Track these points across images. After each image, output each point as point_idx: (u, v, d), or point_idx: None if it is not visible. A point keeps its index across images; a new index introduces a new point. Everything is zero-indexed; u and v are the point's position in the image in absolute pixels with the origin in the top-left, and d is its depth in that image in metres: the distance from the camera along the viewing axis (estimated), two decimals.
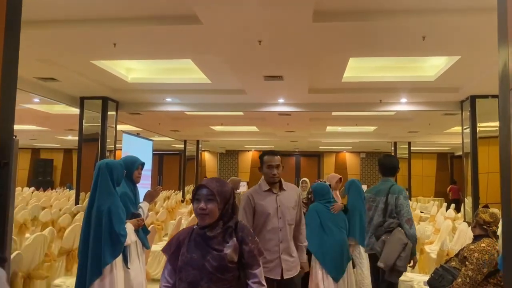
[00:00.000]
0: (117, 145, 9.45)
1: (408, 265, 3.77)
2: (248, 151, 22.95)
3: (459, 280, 2.83)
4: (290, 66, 6.32)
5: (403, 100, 8.69)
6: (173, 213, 11.60)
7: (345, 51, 5.70)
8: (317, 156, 22.81)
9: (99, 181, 3.07)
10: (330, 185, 4.64)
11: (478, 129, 7.94)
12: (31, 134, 15.48)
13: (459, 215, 10.26)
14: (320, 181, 4.81)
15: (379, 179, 4.08)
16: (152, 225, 5.92)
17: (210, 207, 1.90)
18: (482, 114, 7.92)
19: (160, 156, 22.08)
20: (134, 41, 5.35)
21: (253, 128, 13.93)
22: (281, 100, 9.06)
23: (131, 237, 3.11)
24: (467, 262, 2.86)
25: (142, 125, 12.80)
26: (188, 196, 17.82)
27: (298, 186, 6.26)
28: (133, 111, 9.83)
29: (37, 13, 4.59)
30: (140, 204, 3.52)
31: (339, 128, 14.05)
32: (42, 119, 11.65)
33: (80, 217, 6.87)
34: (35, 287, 3.86)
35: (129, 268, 3.14)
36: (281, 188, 3.16)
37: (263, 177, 3.21)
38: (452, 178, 20.53)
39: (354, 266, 4.44)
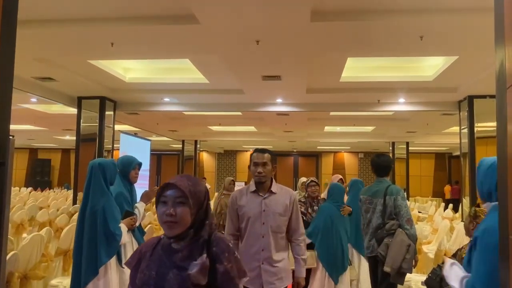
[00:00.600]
0: (114, 145, 9.43)
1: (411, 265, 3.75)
2: (246, 151, 22.94)
3: None
4: (288, 66, 6.31)
5: (401, 100, 8.69)
6: None
7: (343, 50, 5.70)
8: (315, 156, 22.81)
9: (92, 181, 3.07)
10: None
11: (475, 129, 7.95)
12: (29, 134, 15.45)
13: (457, 215, 10.28)
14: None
15: (375, 179, 4.05)
16: (149, 225, 5.92)
17: (180, 213, 1.48)
18: (479, 114, 7.93)
19: (158, 156, 22.06)
20: (132, 40, 5.34)
21: (251, 128, 13.92)
22: (279, 100, 9.06)
23: (125, 237, 3.09)
24: None
25: (140, 125, 12.78)
26: None
27: (296, 186, 6.19)
28: (131, 111, 9.82)
29: (34, 12, 4.58)
30: (136, 204, 3.51)
31: (337, 128, 14.05)
32: (40, 119, 11.63)
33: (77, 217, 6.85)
34: None
35: (124, 268, 3.13)
36: (269, 191, 2.81)
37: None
38: (450, 178, 20.57)
39: (349, 264, 4.48)
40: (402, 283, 3.71)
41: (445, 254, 5.13)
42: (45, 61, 6.30)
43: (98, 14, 4.69)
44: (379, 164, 3.96)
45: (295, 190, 6.11)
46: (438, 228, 7.29)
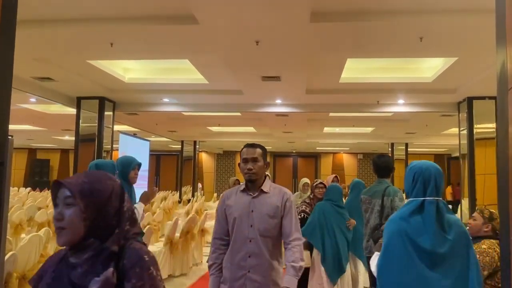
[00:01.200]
0: (114, 146, 9.42)
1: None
2: None
3: None
4: (288, 66, 6.31)
5: (401, 101, 8.70)
6: (170, 213, 11.58)
7: (342, 51, 5.70)
8: (314, 157, 22.82)
9: None
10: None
11: (475, 130, 7.96)
12: (28, 134, 15.43)
13: (456, 216, 10.28)
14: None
15: (375, 180, 4.06)
16: (148, 226, 5.91)
17: (68, 216, 1.20)
18: (479, 115, 7.94)
19: (157, 157, 22.04)
20: (131, 41, 5.33)
21: (251, 129, 13.92)
22: (278, 101, 9.06)
23: None
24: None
25: (139, 125, 12.77)
26: (186, 197, 17.81)
27: (296, 187, 6.14)
28: (130, 111, 9.81)
29: (34, 12, 4.57)
30: (135, 205, 3.50)
31: (337, 129, 14.05)
32: (39, 119, 11.61)
33: None
34: None
35: None
36: (260, 190, 2.52)
37: None
38: (449, 180, 20.58)
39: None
40: None
41: None
42: (44, 61, 6.29)
43: (98, 14, 4.68)
44: (379, 165, 3.98)
45: (296, 192, 6.08)
46: None
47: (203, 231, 7.23)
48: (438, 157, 21.55)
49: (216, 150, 22.77)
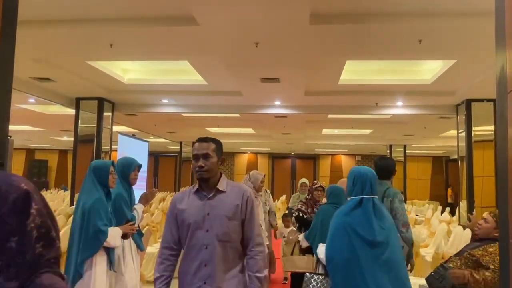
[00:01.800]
0: (112, 146, 9.41)
1: (406, 269, 3.76)
2: (244, 153, 22.94)
3: (489, 277, 2.67)
4: (287, 68, 6.32)
5: (399, 103, 8.71)
6: None
7: (341, 53, 5.72)
8: (312, 159, 22.82)
9: (85, 182, 3.10)
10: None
11: (473, 133, 7.97)
12: (26, 134, 15.41)
13: (454, 218, 10.29)
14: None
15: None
16: (147, 227, 5.91)
17: None
18: (477, 118, 7.96)
19: (155, 158, 22.03)
20: (131, 42, 5.33)
21: (249, 130, 13.92)
22: (277, 102, 9.06)
23: (116, 241, 3.04)
24: (491, 266, 2.72)
25: (138, 126, 12.77)
26: None
27: (294, 188, 6.10)
28: (129, 112, 9.81)
29: (33, 12, 4.57)
30: (134, 206, 3.50)
31: (335, 131, 14.07)
32: (37, 119, 11.60)
33: None
34: None
35: (115, 271, 3.12)
36: (215, 189, 2.23)
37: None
38: (447, 182, 20.62)
39: None
40: None
41: (442, 258, 5.14)
42: (43, 62, 6.28)
43: (97, 15, 4.69)
44: (379, 166, 4.01)
45: (294, 193, 6.07)
46: (436, 232, 7.29)
47: None
48: (436, 159, 21.59)
49: None
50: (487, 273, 2.57)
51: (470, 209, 7.79)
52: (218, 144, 2.31)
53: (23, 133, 14.75)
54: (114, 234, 3.02)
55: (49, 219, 0.95)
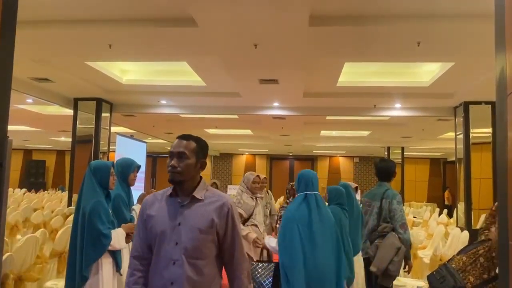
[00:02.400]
0: (110, 147, 9.40)
1: (404, 270, 3.78)
2: (242, 154, 22.94)
3: None
4: (286, 69, 6.32)
5: (397, 105, 8.73)
6: None
7: (340, 55, 5.72)
8: (311, 160, 22.83)
9: (84, 183, 3.06)
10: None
11: (471, 135, 7.99)
12: (24, 135, 15.37)
13: (452, 220, 10.31)
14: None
15: (372, 184, 4.11)
16: None
17: None
18: (475, 120, 7.97)
19: (153, 159, 22.00)
20: (130, 42, 5.33)
21: (248, 132, 13.92)
22: (276, 104, 9.07)
23: (120, 243, 3.03)
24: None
25: (136, 127, 12.75)
26: None
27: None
28: (127, 112, 9.79)
29: (32, 13, 4.57)
30: (133, 207, 3.50)
31: (333, 133, 14.08)
32: (35, 119, 11.57)
33: (72, 219, 6.82)
34: None
35: (121, 275, 3.10)
36: (191, 196, 1.96)
37: None
38: (445, 184, 20.65)
39: None
40: (388, 286, 3.74)
41: (440, 259, 5.15)
42: (42, 62, 6.27)
43: (97, 16, 4.68)
44: (379, 168, 4.05)
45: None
46: (433, 233, 7.31)
47: None
48: (434, 161, 21.62)
49: (213, 153, 22.74)
50: None
51: (468, 211, 7.81)
52: (201, 144, 2.06)
53: (20, 133, 14.71)
54: (118, 236, 3.01)
55: None
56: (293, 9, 4.13)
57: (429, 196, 20.95)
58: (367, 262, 3.89)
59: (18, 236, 7.19)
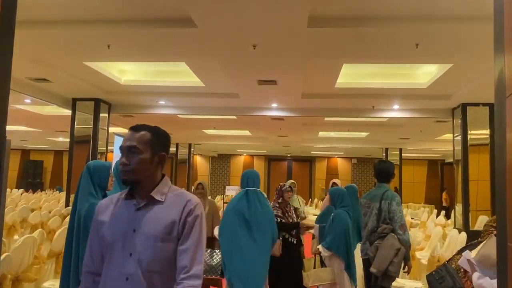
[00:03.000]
0: (108, 147, 9.38)
1: (403, 271, 3.79)
2: (240, 155, 22.94)
3: None
4: (284, 71, 6.33)
5: (395, 106, 8.74)
6: None
7: (339, 57, 5.73)
8: (309, 161, 22.85)
9: (80, 184, 3.03)
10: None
11: (468, 136, 8.01)
12: (22, 135, 15.34)
13: (449, 221, 10.33)
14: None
15: (370, 185, 4.13)
16: None
17: None
18: (473, 122, 7.99)
19: None
20: (128, 43, 5.33)
21: (246, 132, 13.92)
22: (274, 105, 9.07)
23: None
24: None
25: None
26: None
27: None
28: (125, 113, 9.78)
29: (31, 13, 4.56)
30: None
31: (332, 134, 14.10)
32: (33, 120, 11.55)
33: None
34: None
35: None
36: (149, 197, 1.66)
37: None
38: (443, 185, 20.69)
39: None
40: (388, 286, 3.75)
41: (438, 261, 5.15)
42: (40, 62, 6.26)
43: (95, 16, 4.68)
44: (378, 170, 4.06)
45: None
46: (431, 235, 7.31)
47: None
48: (431, 163, 21.66)
49: (211, 153, 22.74)
50: None
51: (466, 212, 7.82)
52: (158, 134, 1.72)
53: (18, 133, 14.68)
54: None
55: None
56: (292, 10, 4.14)
57: (427, 197, 20.99)
58: (367, 263, 3.89)
59: (16, 237, 7.17)
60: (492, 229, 2.88)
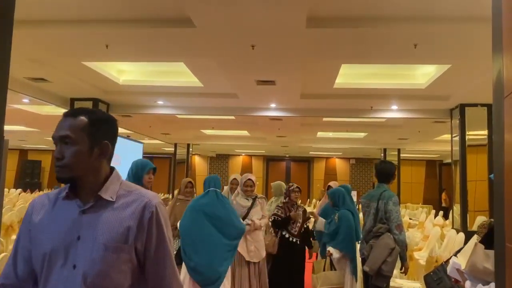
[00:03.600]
0: None
1: (400, 271, 3.80)
2: (239, 155, 22.93)
3: None
4: (283, 71, 6.33)
5: (394, 107, 8.75)
6: None
7: (337, 57, 5.73)
8: (307, 162, 22.85)
9: None
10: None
11: (467, 137, 8.02)
12: (20, 135, 15.31)
13: (447, 222, 10.34)
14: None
15: (368, 185, 4.16)
16: None
17: None
18: (471, 122, 8.00)
19: (150, 159, 21.87)
20: (127, 43, 5.32)
21: (244, 133, 13.92)
22: (272, 105, 9.07)
23: None
24: None
25: (132, 127, 12.72)
26: None
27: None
28: (124, 113, 9.76)
29: (29, 12, 4.55)
30: None
31: (330, 134, 14.09)
32: (31, 119, 11.52)
33: None
34: None
35: None
36: (96, 197, 1.34)
37: None
38: (441, 185, 20.71)
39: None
40: (382, 286, 3.76)
41: (436, 261, 5.16)
42: (38, 62, 6.25)
43: (94, 16, 4.67)
44: (378, 170, 4.08)
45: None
46: (429, 235, 7.32)
47: None
48: (429, 163, 21.67)
49: (209, 153, 22.74)
50: None
51: (464, 213, 7.83)
52: (97, 119, 1.38)
53: (16, 133, 14.65)
54: None
55: None
56: (290, 11, 4.14)
57: (425, 197, 21.01)
58: (364, 262, 3.90)
59: (13, 237, 7.16)
60: (482, 234, 2.88)
